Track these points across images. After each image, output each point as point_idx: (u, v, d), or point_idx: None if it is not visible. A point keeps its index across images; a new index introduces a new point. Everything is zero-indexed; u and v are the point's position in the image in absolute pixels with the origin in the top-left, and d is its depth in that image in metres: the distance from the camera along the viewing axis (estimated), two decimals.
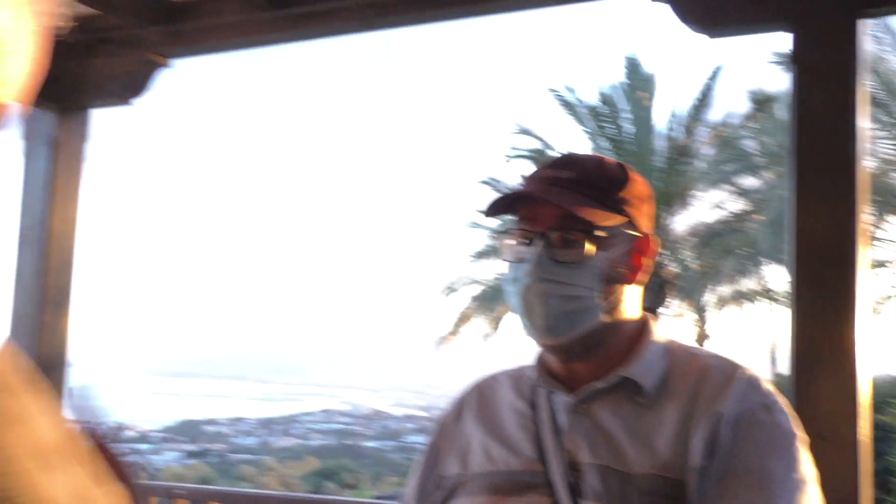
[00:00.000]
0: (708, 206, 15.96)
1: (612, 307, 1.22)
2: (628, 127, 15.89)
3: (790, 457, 1.13)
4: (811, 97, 2.38)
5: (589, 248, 1.18)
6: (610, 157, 1.31)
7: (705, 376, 1.19)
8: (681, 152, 15.08)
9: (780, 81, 14.76)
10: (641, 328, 1.27)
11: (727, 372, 1.19)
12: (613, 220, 1.20)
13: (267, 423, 51.81)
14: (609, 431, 1.18)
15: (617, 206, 1.22)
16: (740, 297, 16.23)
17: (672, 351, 1.26)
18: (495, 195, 1.27)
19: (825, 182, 2.33)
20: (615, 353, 1.23)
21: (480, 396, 1.36)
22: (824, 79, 2.38)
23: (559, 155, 1.31)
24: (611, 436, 1.18)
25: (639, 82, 15.83)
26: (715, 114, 15.78)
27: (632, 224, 1.24)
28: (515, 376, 1.35)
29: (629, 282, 1.24)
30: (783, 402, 1.19)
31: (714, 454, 1.12)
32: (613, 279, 1.21)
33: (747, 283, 16.00)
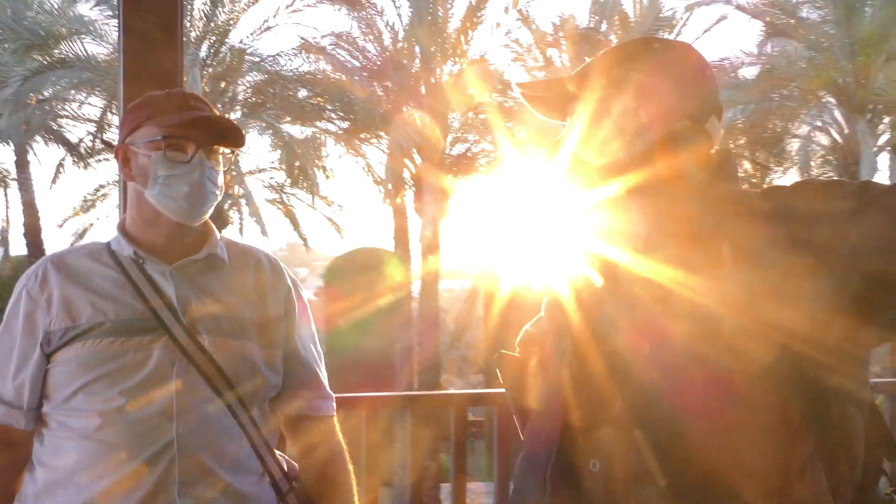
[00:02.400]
0: None
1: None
2: None
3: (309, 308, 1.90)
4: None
5: (225, 163, 1.75)
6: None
7: (259, 257, 1.84)
8: None
9: None
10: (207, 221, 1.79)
11: (270, 257, 1.86)
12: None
13: None
14: (207, 287, 1.71)
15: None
16: None
17: (223, 238, 1.82)
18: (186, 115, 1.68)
19: (153, 70, 2.53)
20: (200, 237, 1.75)
21: (59, 268, 1.69)
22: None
23: (187, 92, 1.79)
24: (210, 291, 1.71)
25: None
26: None
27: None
28: (89, 252, 1.74)
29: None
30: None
31: (289, 306, 1.80)
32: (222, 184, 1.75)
33: None
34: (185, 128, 1.67)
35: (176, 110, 1.69)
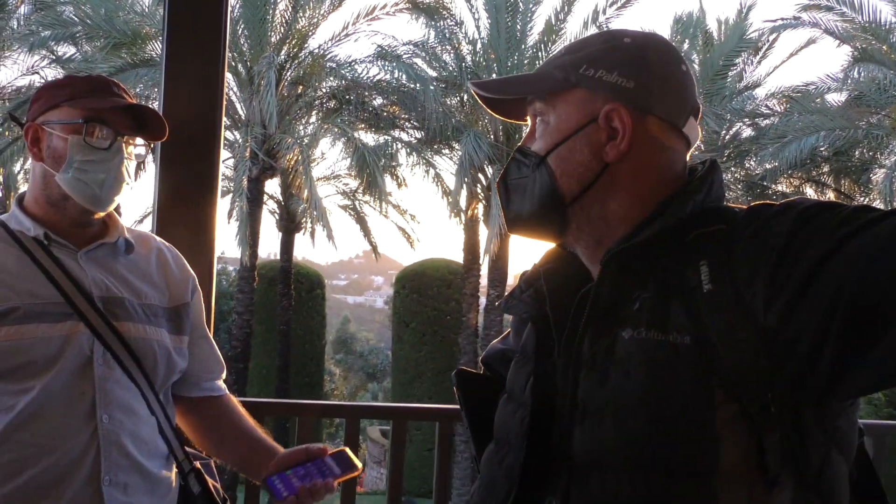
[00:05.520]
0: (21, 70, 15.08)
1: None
2: None
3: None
4: None
5: (146, 153, 1.76)
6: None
7: (158, 245, 1.85)
8: None
9: None
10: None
11: (169, 245, 1.88)
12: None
13: None
14: (118, 272, 1.70)
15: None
16: None
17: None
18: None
19: (195, 67, 2.58)
20: (104, 224, 1.75)
21: None
22: None
23: (108, 78, 1.73)
24: (121, 276, 1.70)
25: None
26: None
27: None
28: None
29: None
30: None
31: (195, 294, 1.86)
32: (134, 176, 1.76)
33: None
34: (107, 114, 1.65)
35: (99, 95, 1.67)
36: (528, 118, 1.23)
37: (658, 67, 1.14)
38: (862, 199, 16.51)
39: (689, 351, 0.99)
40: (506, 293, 1.29)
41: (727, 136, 16.92)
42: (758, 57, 17.20)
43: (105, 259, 1.69)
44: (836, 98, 16.69)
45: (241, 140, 15.03)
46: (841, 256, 0.93)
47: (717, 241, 1.05)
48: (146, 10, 16.04)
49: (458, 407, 1.34)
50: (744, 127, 17.34)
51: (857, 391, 0.99)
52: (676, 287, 1.05)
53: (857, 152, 16.08)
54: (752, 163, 16.91)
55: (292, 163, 15.67)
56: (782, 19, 16.18)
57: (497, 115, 1.29)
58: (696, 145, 1.20)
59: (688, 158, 1.20)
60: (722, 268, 1.02)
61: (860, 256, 0.92)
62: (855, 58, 15.69)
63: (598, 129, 1.13)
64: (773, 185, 16.63)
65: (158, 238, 1.88)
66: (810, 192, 17.19)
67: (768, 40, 17.03)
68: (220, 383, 1.92)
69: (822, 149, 15.31)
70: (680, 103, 1.15)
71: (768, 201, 1.08)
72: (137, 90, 15.49)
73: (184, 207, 2.62)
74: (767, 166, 16.22)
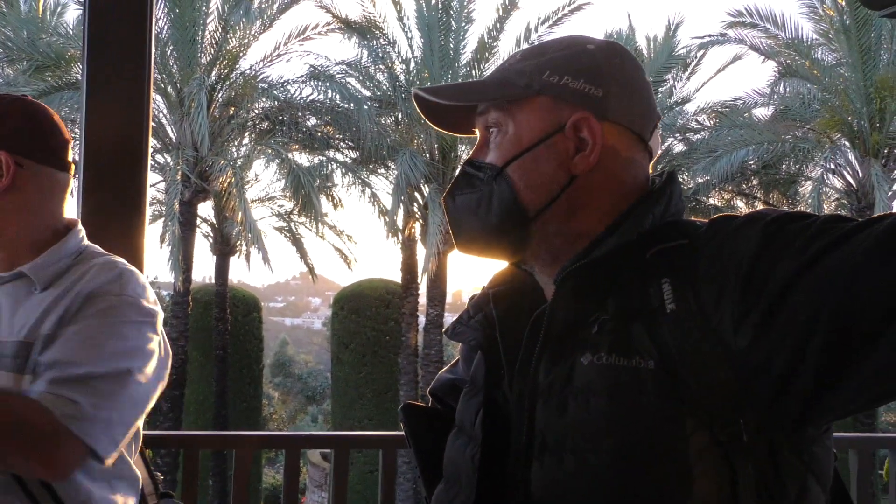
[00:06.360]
0: None
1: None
2: None
3: (127, 321, 1.47)
4: (105, 7, 2.50)
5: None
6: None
7: (88, 271, 1.52)
8: None
9: None
10: (59, 233, 1.58)
11: (108, 265, 1.53)
12: None
13: None
14: (1, 311, 1.52)
15: None
16: None
17: (83, 254, 1.58)
18: None
19: (118, 88, 2.48)
20: (19, 251, 1.54)
21: None
22: None
23: None
24: (1, 314, 1.52)
25: None
26: None
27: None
28: None
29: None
30: (143, 285, 1.51)
31: (63, 323, 1.44)
32: None
33: None
34: None
35: None
36: (478, 129, 1.16)
37: (625, 76, 1.09)
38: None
39: (654, 376, 0.93)
40: (444, 311, 1.24)
41: (659, 151, 17.19)
42: (687, 73, 17.61)
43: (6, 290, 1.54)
44: (763, 112, 17.24)
45: (172, 163, 14.78)
46: (818, 271, 0.87)
47: (678, 257, 0.99)
48: (71, 32, 15.68)
49: (401, 433, 1.27)
50: (675, 142, 17.73)
51: (840, 412, 0.93)
52: (637, 307, 0.98)
53: (784, 165, 16.54)
54: (685, 177, 17.28)
55: (225, 185, 15.45)
56: (709, 36, 16.71)
57: (439, 128, 1.21)
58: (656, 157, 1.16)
59: (650, 171, 1.15)
60: (685, 286, 0.96)
61: (840, 271, 0.86)
62: (780, 73, 16.20)
63: (565, 139, 1.07)
64: (706, 199, 17.00)
65: (108, 265, 1.53)
66: (741, 204, 17.60)
67: (696, 56, 17.49)
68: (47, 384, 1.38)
69: (751, 162, 15.74)
70: (647, 114, 1.11)
71: (730, 213, 1.03)
72: (63, 113, 15.12)
73: (109, 233, 2.53)
74: (700, 180, 16.58)
